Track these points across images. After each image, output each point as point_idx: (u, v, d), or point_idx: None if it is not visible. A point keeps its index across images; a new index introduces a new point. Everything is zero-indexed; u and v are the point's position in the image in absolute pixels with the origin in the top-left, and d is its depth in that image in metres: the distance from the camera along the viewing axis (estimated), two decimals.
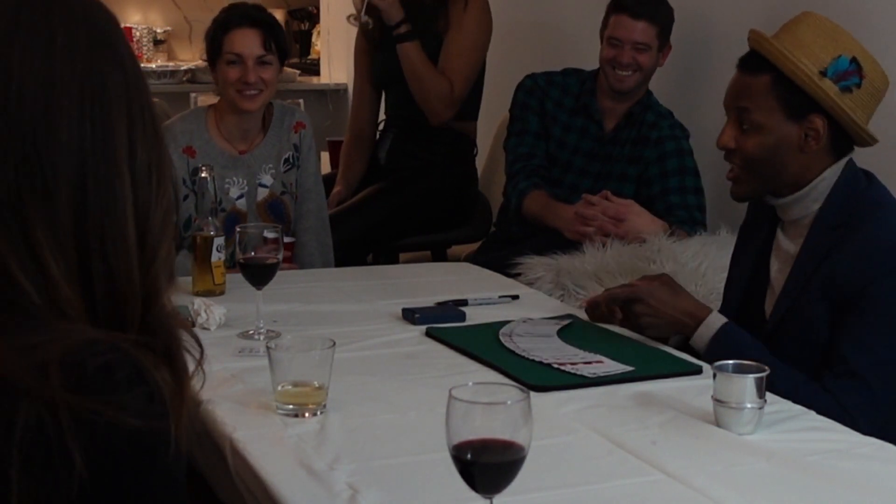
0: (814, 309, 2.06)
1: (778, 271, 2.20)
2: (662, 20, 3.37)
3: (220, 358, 2.06)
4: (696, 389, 1.87)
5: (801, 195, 2.13)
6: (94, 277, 0.95)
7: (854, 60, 2.09)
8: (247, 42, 3.04)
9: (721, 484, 1.50)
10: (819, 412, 1.81)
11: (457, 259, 3.75)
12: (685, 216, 3.25)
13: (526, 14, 4.59)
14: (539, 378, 1.91)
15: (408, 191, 3.89)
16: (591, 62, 3.51)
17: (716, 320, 2.12)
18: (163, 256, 1.00)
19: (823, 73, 2.08)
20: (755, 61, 2.14)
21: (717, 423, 1.71)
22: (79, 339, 0.91)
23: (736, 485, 1.51)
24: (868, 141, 2.14)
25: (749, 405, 1.69)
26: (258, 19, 3.08)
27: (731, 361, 1.74)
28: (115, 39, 1.01)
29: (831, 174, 2.12)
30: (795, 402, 1.85)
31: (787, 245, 2.19)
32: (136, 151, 0.98)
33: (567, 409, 1.79)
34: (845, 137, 2.13)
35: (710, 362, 1.92)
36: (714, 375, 1.72)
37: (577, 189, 3.39)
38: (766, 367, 1.72)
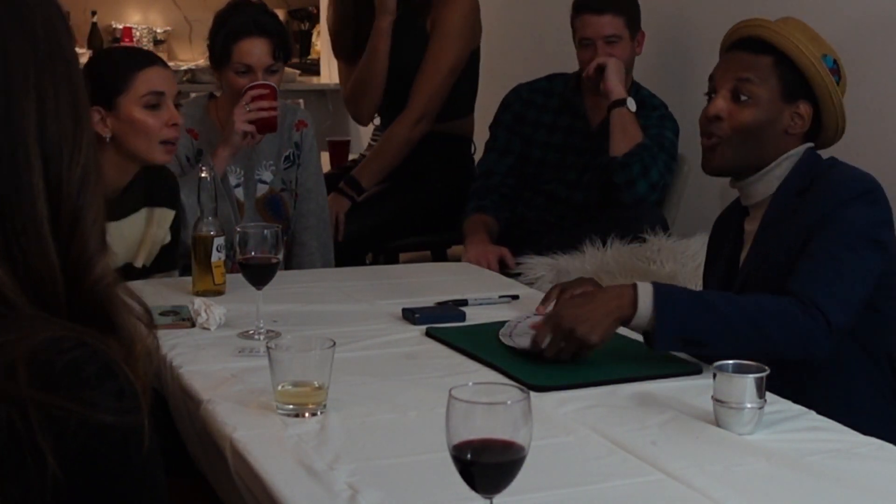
0: (782, 256, 2.14)
1: (746, 255, 2.28)
2: (627, 9, 3.40)
3: (220, 358, 2.06)
4: (696, 389, 1.87)
5: (766, 172, 2.23)
6: (15, 258, 0.93)
7: (835, 62, 2.24)
8: (257, 52, 3.03)
9: (721, 484, 1.50)
10: (789, 317, 1.96)
11: (457, 259, 3.75)
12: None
13: (524, 18, 4.59)
14: (539, 378, 1.91)
15: (407, 193, 3.89)
16: (577, 68, 3.52)
17: (645, 287, 2.00)
18: (86, 229, 0.97)
19: None
20: (755, 44, 2.24)
21: (717, 423, 1.71)
22: (46, 337, 0.89)
23: (736, 485, 1.51)
24: (836, 136, 2.28)
25: (749, 405, 1.69)
26: (267, 28, 3.06)
27: (731, 361, 1.74)
28: (27, 12, 0.97)
29: (796, 153, 2.24)
30: (759, 311, 1.98)
31: (752, 228, 2.28)
32: (46, 125, 0.96)
33: (567, 409, 1.79)
34: (817, 131, 2.26)
35: (664, 329, 1.95)
36: (714, 375, 1.72)
37: (563, 183, 3.42)
38: (766, 368, 1.72)
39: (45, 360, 0.88)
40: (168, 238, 2.78)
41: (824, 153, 2.31)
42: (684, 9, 3.70)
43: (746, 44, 2.26)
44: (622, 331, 2.21)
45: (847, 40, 2.97)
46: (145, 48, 3.92)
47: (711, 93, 2.28)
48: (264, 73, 3.04)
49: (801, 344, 1.99)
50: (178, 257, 2.82)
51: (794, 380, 1.99)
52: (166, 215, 2.76)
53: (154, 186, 2.75)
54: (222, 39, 3.05)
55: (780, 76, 2.22)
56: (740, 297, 2.05)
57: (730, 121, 2.23)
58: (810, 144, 2.26)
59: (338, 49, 4.07)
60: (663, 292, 1.99)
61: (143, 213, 2.73)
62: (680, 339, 1.99)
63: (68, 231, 0.96)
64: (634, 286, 1.99)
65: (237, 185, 3.13)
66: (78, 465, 0.87)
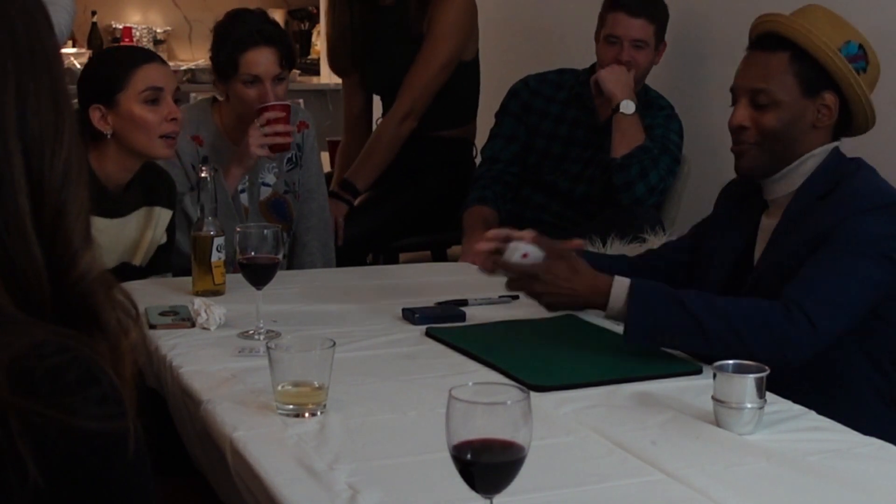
0: (794, 262, 2.11)
1: (760, 251, 2.26)
2: (659, 17, 3.40)
3: (220, 358, 2.06)
4: (696, 389, 1.87)
5: (790, 169, 2.21)
6: None
7: (861, 47, 2.19)
8: (264, 62, 3.01)
9: (721, 484, 1.50)
10: (770, 318, 1.97)
11: (457, 259, 3.76)
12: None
13: (525, 16, 4.58)
14: (539, 378, 1.91)
15: (407, 194, 3.88)
16: (589, 64, 3.51)
17: (622, 283, 2.09)
18: (70, 223, 0.95)
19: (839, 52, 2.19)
20: (771, 40, 2.21)
21: (717, 423, 1.71)
22: (26, 342, 0.87)
23: (736, 485, 1.51)
24: (868, 124, 2.23)
25: (749, 405, 1.69)
26: (271, 36, 3.04)
27: (731, 361, 1.74)
28: (4, 3, 0.95)
29: (822, 151, 2.21)
30: (735, 313, 1.99)
31: (769, 225, 2.25)
32: (26, 119, 0.94)
33: (567, 409, 1.79)
34: (847, 121, 2.22)
35: (634, 324, 2.02)
36: (714, 375, 1.72)
37: (565, 176, 3.43)
38: (766, 368, 1.72)
39: (26, 367, 0.86)
40: (164, 239, 2.79)
41: (857, 141, 2.26)
42: (691, 9, 3.69)
43: (762, 41, 2.23)
44: (621, 330, 2.22)
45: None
46: (144, 47, 3.91)
47: (735, 102, 2.25)
48: (272, 82, 3.02)
49: (777, 347, 1.96)
50: (172, 259, 2.83)
51: (795, 383, 1.98)
52: (164, 215, 2.77)
53: (153, 186, 2.77)
54: (227, 51, 3.02)
55: (796, 72, 2.18)
56: (719, 299, 2.07)
57: (755, 128, 2.21)
58: (836, 144, 2.22)
59: (334, 62, 4.06)
60: (638, 289, 2.06)
61: (142, 212, 2.74)
62: (650, 335, 2.04)
63: (51, 226, 0.94)
64: (611, 281, 2.09)
65: (242, 191, 3.12)
66: (60, 473, 0.86)
